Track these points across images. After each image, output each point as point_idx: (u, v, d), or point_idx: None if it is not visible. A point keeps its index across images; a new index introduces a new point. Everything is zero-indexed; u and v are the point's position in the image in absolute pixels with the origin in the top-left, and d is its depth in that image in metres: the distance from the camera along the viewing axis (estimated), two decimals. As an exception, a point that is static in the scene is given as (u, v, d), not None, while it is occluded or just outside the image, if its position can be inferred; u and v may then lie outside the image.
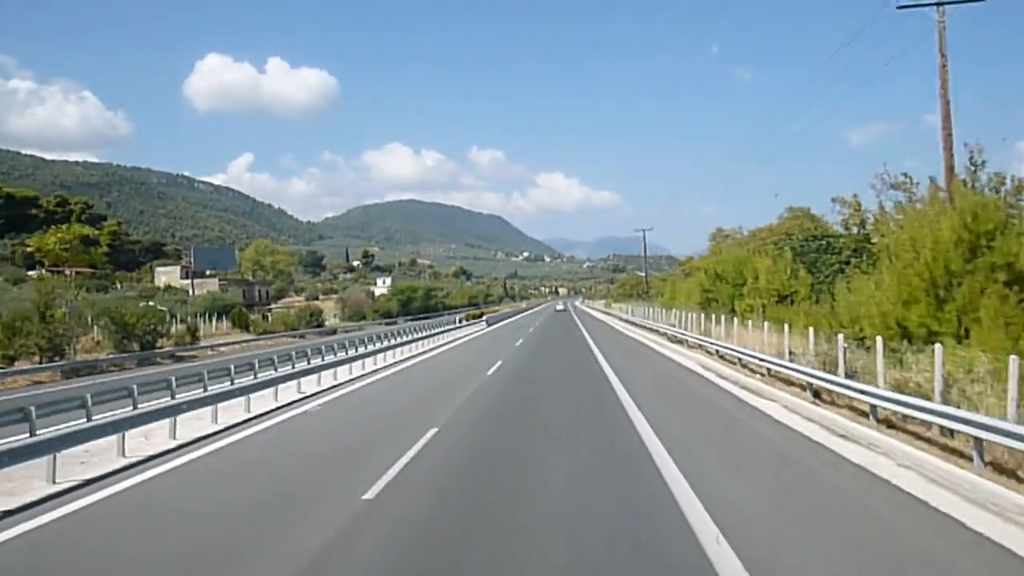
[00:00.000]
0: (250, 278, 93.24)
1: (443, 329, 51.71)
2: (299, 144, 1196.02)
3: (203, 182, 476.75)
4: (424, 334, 43.03)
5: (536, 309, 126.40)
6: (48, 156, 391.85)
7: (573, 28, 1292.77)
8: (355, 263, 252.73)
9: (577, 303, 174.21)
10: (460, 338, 49.39)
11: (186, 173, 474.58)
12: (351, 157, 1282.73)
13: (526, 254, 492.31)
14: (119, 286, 72.77)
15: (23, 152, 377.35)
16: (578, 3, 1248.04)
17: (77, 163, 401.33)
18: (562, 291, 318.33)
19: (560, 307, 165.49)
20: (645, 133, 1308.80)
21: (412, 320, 76.29)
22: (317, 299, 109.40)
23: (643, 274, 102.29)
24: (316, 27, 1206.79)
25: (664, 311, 45.53)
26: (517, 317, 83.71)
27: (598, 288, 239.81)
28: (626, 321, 61.34)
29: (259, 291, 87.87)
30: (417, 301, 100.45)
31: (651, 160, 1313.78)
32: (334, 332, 66.19)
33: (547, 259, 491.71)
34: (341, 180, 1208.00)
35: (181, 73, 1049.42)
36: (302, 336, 59.52)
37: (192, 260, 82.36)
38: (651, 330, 45.63)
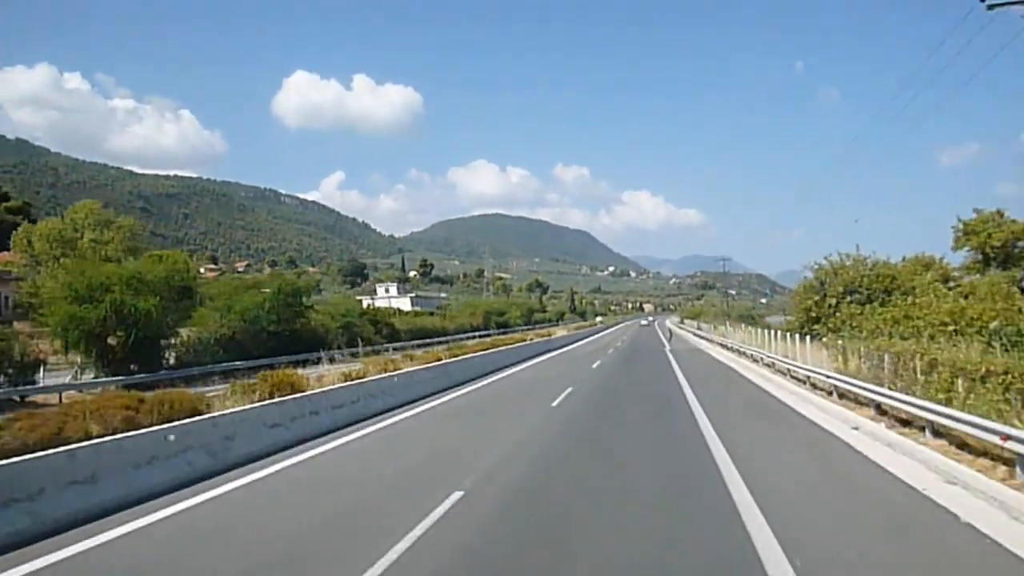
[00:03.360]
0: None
1: None
2: (386, 161, 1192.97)
3: (290, 196, 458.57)
4: None
5: (587, 342, 61.37)
6: (138, 170, 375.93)
7: (656, 48, 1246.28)
8: (412, 273, 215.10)
9: (670, 324, 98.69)
10: None
11: (276, 188, 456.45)
12: (437, 174, 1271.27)
13: (612, 269, 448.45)
14: None
15: (110, 165, 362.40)
16: (663, 24, 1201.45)
17: (166, 176, 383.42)
18: (647, 307, 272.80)
19: (644, 323, 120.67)
20: (731, 152, 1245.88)
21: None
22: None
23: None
24: (401, 44, 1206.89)
25: None
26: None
27: (696, 306, 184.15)
28: None
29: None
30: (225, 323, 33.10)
31: (737, 179, 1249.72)
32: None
33: (633, 275, 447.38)
34: (427, 197, 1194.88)
35: (270, 90, 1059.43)
36: None
37: None
38: None
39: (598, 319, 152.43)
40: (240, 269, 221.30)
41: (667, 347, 48.27)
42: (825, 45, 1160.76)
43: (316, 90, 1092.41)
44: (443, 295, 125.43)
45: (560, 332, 72.82)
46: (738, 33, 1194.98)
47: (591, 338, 71.28)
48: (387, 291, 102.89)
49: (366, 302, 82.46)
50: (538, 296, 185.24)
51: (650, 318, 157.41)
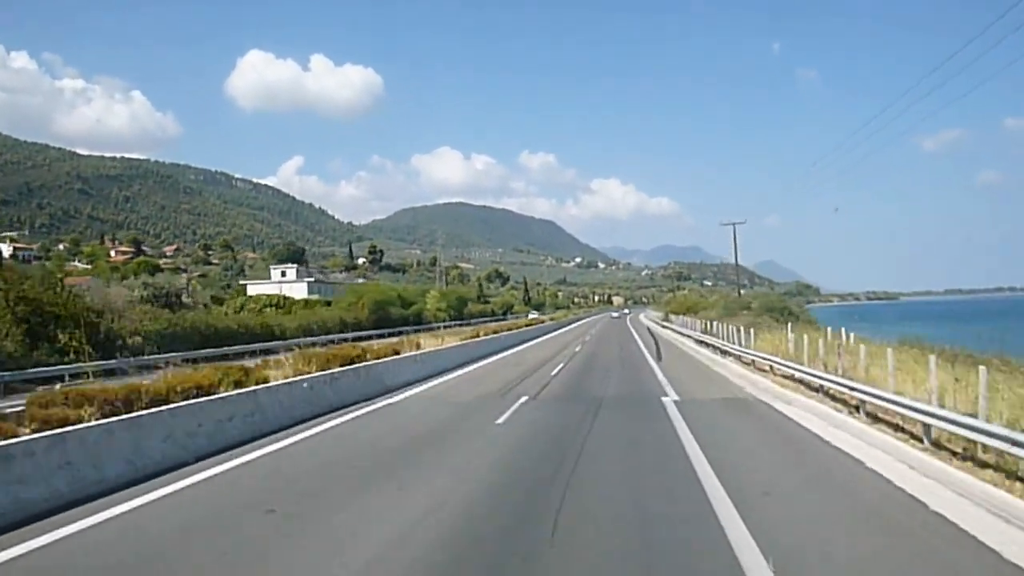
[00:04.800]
0: None
1: None
2: (347, 146, 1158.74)
3: (243, 180, 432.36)
4: None
5: (487, 365, 29.74)
6: (84, 152, 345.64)
7: (626, 30, 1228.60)
8: (360, 260, 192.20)
9: (648, 322, 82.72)
10: None
11: (228, 171, 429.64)
12: (400, 161, 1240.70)
13: (578, 259, 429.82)
14: None
15: (52, 145, 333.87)
16: (633, 5, 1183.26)
17: (111, 158, 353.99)
18: (617, 300, 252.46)
19: (616, 315, 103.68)
20: (706, 139, 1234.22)
21: None
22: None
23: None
24: (359, 23, 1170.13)
25: None
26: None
27: (680, 296, 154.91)
28: None
29: None
30: None
31: (712, 167, 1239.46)
32: None
33: (601, 266, 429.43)
34: (390, 184, 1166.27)
35: (224, 70, 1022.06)
36: None
37: None
38: None
39: (532, 315, 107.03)
40: (169, 254, 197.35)
41: (669, 394, 18.43)
42: (803, 23, 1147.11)
43: (272, 70, 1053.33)
44: (360, 280, 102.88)
45: (430, 344, 32.06)
46: (711, 12, 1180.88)
47: (508, 352, 38.66)
48: (283, 275, 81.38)
49: (253, 288, 59.90)
50: (478, 286, 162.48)
51: (624, 311, 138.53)
